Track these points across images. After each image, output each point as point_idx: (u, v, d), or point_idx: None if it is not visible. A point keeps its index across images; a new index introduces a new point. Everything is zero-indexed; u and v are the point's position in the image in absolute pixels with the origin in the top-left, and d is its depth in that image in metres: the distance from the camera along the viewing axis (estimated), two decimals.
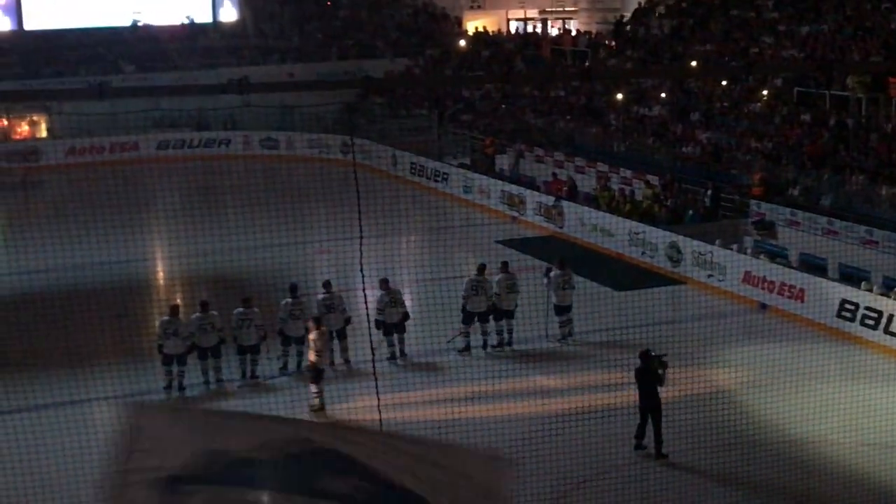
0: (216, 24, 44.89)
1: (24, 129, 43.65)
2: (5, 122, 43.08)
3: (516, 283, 20.78)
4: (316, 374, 18.28)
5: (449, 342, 20.29)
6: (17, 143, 42.33)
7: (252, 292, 20.21)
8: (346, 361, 19.92)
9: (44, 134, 43.30)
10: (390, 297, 20.11)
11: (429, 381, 18.94)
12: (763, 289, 23.02)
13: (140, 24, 22.41)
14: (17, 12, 23.82)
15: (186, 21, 44.81)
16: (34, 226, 26.58)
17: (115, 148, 41.96)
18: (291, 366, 19.77)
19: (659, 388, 16.08)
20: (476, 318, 20.60)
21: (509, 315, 20.68)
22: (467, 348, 20.50)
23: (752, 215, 26.56)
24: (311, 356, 18.35)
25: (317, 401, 18.12)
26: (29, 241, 24.70)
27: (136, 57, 46.22)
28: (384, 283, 20.27)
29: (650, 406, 16.03)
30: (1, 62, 44.18)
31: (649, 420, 16.08)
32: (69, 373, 19.07)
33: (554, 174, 32.78)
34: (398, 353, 20.21)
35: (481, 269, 20.95)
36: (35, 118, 43.42)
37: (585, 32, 45.23)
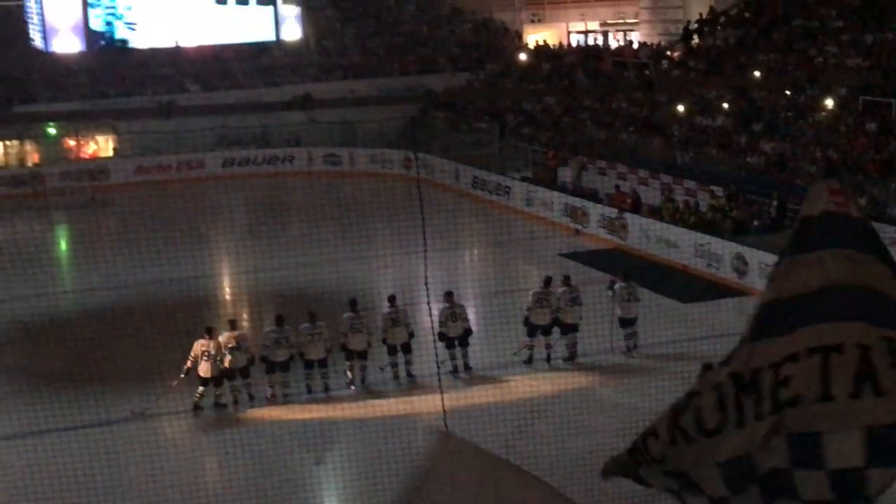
0: (279, 42, 45.34)
1: (92, 148, 44.37)
2: (75, 142, 43.80)
3: (578, 296, 20.73)
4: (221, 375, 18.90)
5: (514, 354, 20.32)
6: (86, 161, 43.03)
7: (317, 307, 20.35)
8: (410, 375, 20.01)
9: (112, 153, 43.97)
10: (452, 311, 20.19)
11: (493, 394, 18.97)
12: None
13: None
14: (85, 33, 24.27)
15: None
16: (103, 243, 27.05)
17: (181, 166, 42.55)
18: (356, 379, 19.91)
19: None
20: (539, 331, 20.62)
21: (573, 328, 20.66)
22: (530, 361, 20.53)
23: None
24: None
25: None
26: (99, 258, 25.13)
27: (200, 76, 46.87)
28: (448, 296, 20.36)
29: None
30: (70, 82, 44.97)
31: None
32: (140, 388, 19.37)
33: (617, 186, 32.69)
34: (462, 367, 20.27)
35: (547, 281, 20.96)
36: (103, 137, 44.12)
37: (647, 44, 45.08)
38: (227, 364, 19.01)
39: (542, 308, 20.49)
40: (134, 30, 24.03)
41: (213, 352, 18.86)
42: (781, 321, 5.12)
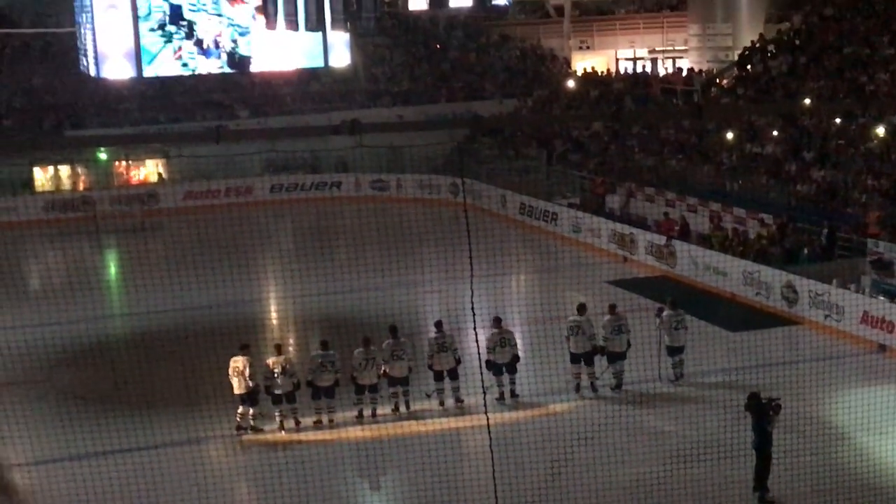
0: (328, 68, 45.60)
1: (143, 173, 44.79)
2: (125, 167, 44.24)
3: (623, 324, 20.54)
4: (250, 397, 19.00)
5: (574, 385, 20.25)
6: (135, 186, 43.43)
7: (364, 332, 20.35)
8: (459, 401, 19.93)
9: (157, 178, 44.34)
10: (501, 337, 20.11)
11: (539, 421, 18.87)
12: (882, 329, 22.50)
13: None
14: (137, 59, 24.44)
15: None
16: (153, 268, 27.25)
17: (230, 191, 42.86)
18: (402, 406, 19.88)
19: (770, 431, 15.83)
20: (581, 359, 20.46)
21: (620, 357, 20.49)
22: (578, 389, 20.40)
23: (870, 254, 26.00)
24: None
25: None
26: (147, 282, 25.33)
27: (250, 102, 47.23)
28: (497, 322, 20.30)
29: (761, 442, 15.77)
30: (121, 108, 45.48)
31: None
32: (186, 412, 19.44)
33: (665, 214, 32.51)
34: (509, 394, 20.17)
35: (580, 308, 20.74)
36: (153, 162, 44.52)
37: (696, 70, 44.92)
38: (276, 389, 19.06)
39: (576, 336, 20.35)
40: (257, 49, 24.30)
41: (246, 368, 18.94)
42: None
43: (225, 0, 23.86)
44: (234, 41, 24.31)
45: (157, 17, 23.87)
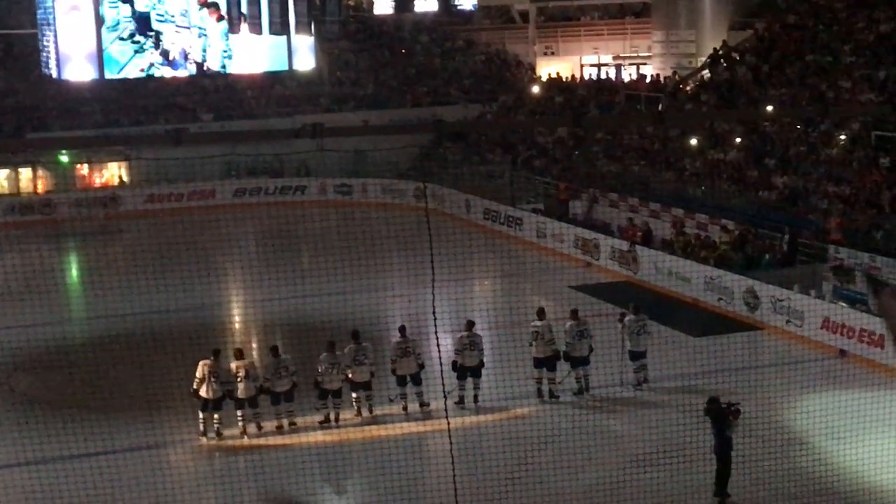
0: (292, 72, 45.56)
1: (104, 176, 44.45)
2: (86, 170, 43.88)
3: (586, 329, 20.59)
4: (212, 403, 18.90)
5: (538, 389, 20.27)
6: (97, 190, 43.11)
7: (325, 338, 20.27)
8: (423, 405, 19.88)
9: (123, 181, 44.04)
10: (471, 340, 20.09)
11: (501, 425, 18.87)
12: (842, 335, 22.66)
13: None
14: (99, 61, 24.35)
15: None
16: (114, 271, 27.07)
17: (193, 195, 42.61)
18: (364, 411, 19.83)
19: (730, 435, 15.91)
20: (543, 364, 20.47)
21: (583, 362, 20.53)
22: (541, 394, 20.42)
23: (831, 261, 26.22)
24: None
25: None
26: (109, 286, 25.15)
27: (213, 105, 47.02)
28: (469, 326, 20.29)
29: (721, 447, 15.85)
30: (83, 110, 45.12)
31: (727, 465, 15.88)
32: (147, 417, 19.30)
33: (629, 219, 32.64)
34: (472, 399, 20.16)
35: (540, 313, 20.75)
36: (115, 165, 44.19)
37: (659, 77, 45.10)
38: (237, 394, 18.97)
39: (538, 340, 20.36)
40: (230, 58, 24.23)
41: (219, 373, 18.86)
42: None
43: (194, 10, 23.77)
44: (204, 51, 24.22)
45: (128, 26, 23.78)
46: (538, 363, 20.43)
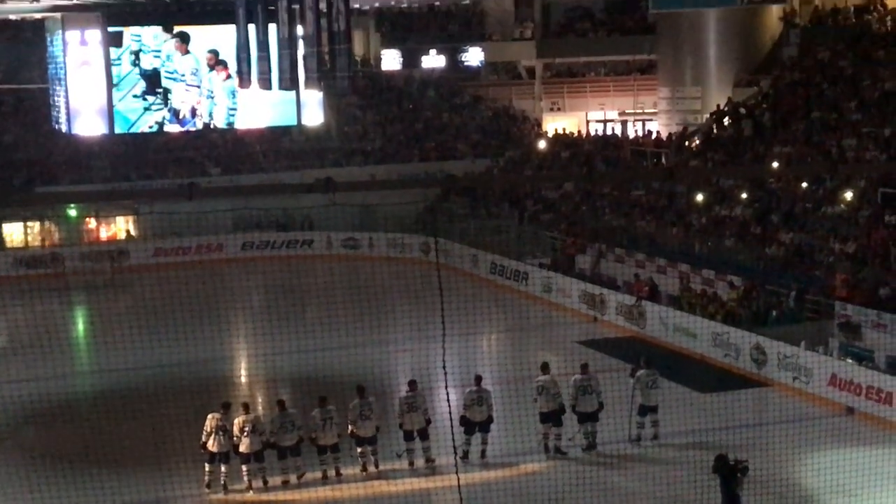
0: (300, 126, 45.86)
1: (111, 229, 44.60)
2: (95, 223, 44.04)
3: (593, 384, 20.54)
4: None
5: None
6: (105, 243, 43.24)
7: (332, 392, 20.27)
8: (429, 461, 19.84)
9: (131, 234, 44.17)
10: (478, 395, 20.06)
11: (509, 481, 18.81)
12: (850, 392, 22.61)
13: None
14: (109, 116, 24.52)
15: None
16: (122, 325, 27.07)
17: (200, 248, 42.75)
18: (370, 466, 19.76)
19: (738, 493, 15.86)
20: (549, 419, 20.42)
21: (591, 417, 20.47)
22: (546, 449, 20.35)
23: (838, 317, 26.20)
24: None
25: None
26: (117, 339, 25.17)
27: (221, 159, 47.27)
28: (478, 380, 20.30)
29: (729, 502, 15.79)
30: (92, 164, 45.36)
31: None
32: (153, 470, 19.27)
33: (636, 275, 32.64)
34: (479, 454, 20.09)
35: (544, 367, 20.74)
36: (123, 219, 44.36)
37: (666, 133, 45.32)
38: (242, 448, 18.94)
39: (541, 395, 20.33)
40: (235, 114, 24.52)
41: (228, 427, 18.86)
42: None
43: (204, 71, 23.98)
44: (210, 113, 24.43)
45: (138, 84, 23.99)
46: (544, 418, 20.38)
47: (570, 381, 20.55)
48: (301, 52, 20.76)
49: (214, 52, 24.39)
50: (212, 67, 24.13)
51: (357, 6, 46.48)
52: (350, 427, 19.55)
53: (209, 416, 18.94)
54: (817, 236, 30.95)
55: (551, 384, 20.39)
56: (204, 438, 18.89)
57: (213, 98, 24.21)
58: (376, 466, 19.74)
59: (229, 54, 24.21)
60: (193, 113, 24.48)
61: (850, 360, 23.40)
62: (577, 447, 20.44)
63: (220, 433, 18.83)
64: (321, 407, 19.44)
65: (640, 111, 53.07)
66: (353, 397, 19.69)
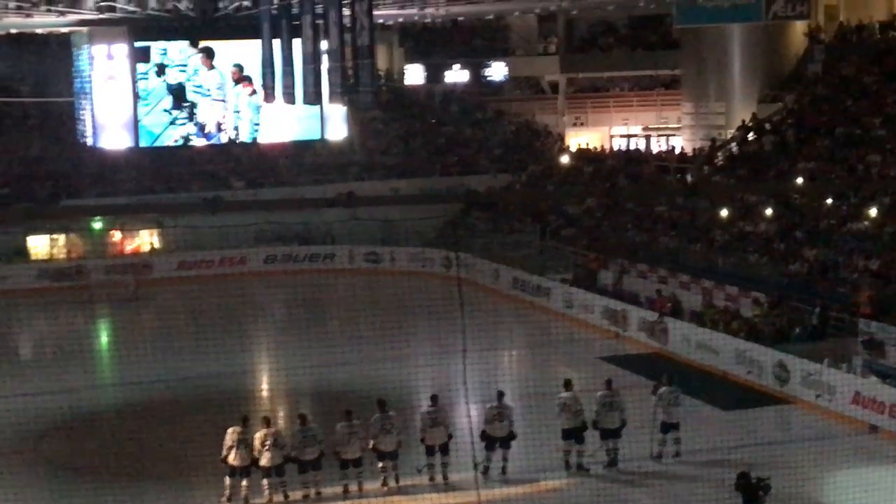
0: (324, 141, 46.00)
1: (134, 242, 44.77)
2: (118, 236, 44.22)
3: (616, 400, 20.47)
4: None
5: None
6: (129, 256, 43.42)
7: (351, 406, 20.25)
8: (445, 477, 19.79)
9: (155, 247, 44.33)
10: (500, 411, 20.00)
11: (531, 500, 18.76)
12: (873, 410, 22.47)
13: None
14: (134, 129, 24.71)
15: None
16: (146, 338, 27.22)
17: (224, 262, 42.87)
18: (391, 481, 19.74)
19: None
20: (572, 436, 20.37)
21: (614, 434, 20.40)
22: (567, 465, 20.29)
23: (862, 334, 26.06)
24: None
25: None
26: (140, 352, 25.28)
27: (245, 173, 47.42)
28: (500, 396, 20.24)
29: None
30: (117, 178, 45.56)
31: None
32: (175, 483, 19.31)
33: (658, 291, 32.54)
34: (502, 471, 20.02)
35: (567, 384, 20.71)
36: (147, 232, 44.53)
37: (690, 149, 45.24)
38: (263, 462, 18.96)
39: (564, 412, 20.28)
40: (258, 129, 24.78)
41: (249, 441, 18.89)
42: None
43: (230, 86, 24.14)
44: (236, 128, 24.56)
45: (163, 98, 24.19)
46: (566, 434, 20.31)
47: (595, 396, 20.49)
48: (325, 66, 20.86)
49: (239, 67, 24.59)
50: (237, 82, 24.33)
51: (381, 21, 46.51)
52: (371, 441, 19.53)
53: (229, 430, 18.97)
54: (841, 253, 30.81)
55: (573, 401, 20.33)
56: (224, 452, 18.92)
57: (238, 112, 24.35)
58: (396, 481, 19.70)
59: (254, 69, 24.38)
60: (219, 127, 24.67)
61: (874, 378, 23.25)
62: (598, 464, 20.37)
63: (241, 447, 18.85)
64: (346, 420, 19.43)
65: (664, 126, 52.98)
66: (374, 411, 19.67)
